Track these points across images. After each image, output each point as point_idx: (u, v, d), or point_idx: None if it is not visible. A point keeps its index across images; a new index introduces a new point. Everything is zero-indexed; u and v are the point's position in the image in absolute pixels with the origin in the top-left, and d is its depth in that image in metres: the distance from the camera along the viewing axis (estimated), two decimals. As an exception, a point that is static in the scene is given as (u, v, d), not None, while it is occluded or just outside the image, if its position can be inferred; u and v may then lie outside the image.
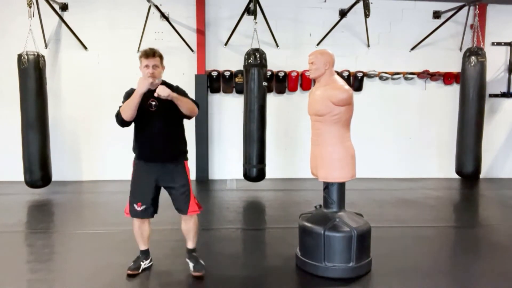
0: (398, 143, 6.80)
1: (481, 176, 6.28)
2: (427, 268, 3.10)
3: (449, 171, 6.50)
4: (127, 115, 2.72)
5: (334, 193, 3.03)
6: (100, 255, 3.38)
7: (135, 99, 2.65)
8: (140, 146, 2.89)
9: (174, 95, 2.64)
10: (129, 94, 2.80)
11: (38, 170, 5.17)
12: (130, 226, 4.05)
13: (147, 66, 2.73)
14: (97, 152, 6.43)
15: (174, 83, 2.93)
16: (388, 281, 2.90)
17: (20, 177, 5.27)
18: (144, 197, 2.90)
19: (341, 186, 3.04)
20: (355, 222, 2.95)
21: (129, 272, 2.98)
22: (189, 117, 2.85)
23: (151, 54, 2.76)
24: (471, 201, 5.67)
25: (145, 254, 3.09)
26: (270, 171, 5.80)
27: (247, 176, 5.41)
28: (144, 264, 3.06)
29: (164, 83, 2.82)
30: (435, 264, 3.19)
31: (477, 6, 5.85)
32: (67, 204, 5.13)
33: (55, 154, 5.72)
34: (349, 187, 3.30)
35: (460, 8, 6.12)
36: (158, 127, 2.79)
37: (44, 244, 3.63)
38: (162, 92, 2.59)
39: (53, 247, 3.64)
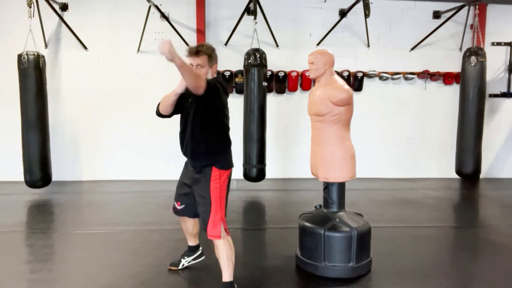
0: (398, 143, 6.80)
1: (481, 176, 6.26)
2: (427, 268, 3.10)
3: (449, 171, 6.50)
4: (162, 107, 2.60)
5: (334, 193, 3.04)
6: (100, 255, 3.38)
7: (171, 97, 2.52)
8: (179, 143, 2.72)
9: (176, 59, 2.10)
10: None
11: (38, 170, 5.17)
12: (130, 226, 4.11)
13: (190, 65, 2.48)
14: (97, 152, 6.43)
15: (174, 84, 2.88)
16: (388, 281, 2.90)
17: (20, 177, 5.27)
18: (182, 197, 2.79)
19: (341, 186, 3.05)
20: (355, 222, 2.95)
21: (169, 267, 3.02)
22: (195, 92, 2.35)
23: (193, 52, 2.49)
24: (471, 201, 5.67)
25: (190, 250, 3.06)
26: (270, 171, 5.80)
27: (247, 176, 5.41)
28: (186, 261, 3.03)
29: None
30: (435, 264, 3.19)
31: (477, 6, 5.85)
32: (67, 204, 5.12)
33: (55, 154, 5.72)
34: (349, 187, 3.30)
35: (460, 8, 6.12)
36: (190, 126, 2.57)
37: (44, 244, 3.63)
38: (161, 48, 2.08)
39: (53, 247, 3.64)
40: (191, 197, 2.73)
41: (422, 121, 6.80)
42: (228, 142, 2.71)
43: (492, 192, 5.95)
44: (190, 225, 2.95)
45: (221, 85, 2.60)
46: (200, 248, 3.11)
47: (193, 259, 3.07)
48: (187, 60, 2.52)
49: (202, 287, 2.89)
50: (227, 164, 2.66)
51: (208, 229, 2.53)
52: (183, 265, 3.03)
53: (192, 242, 3.06)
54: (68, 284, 2.86)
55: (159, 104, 2.65)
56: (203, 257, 3.10)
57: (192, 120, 2.55)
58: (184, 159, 2.79)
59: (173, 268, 3.03)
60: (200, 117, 2.53)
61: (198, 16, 6.29)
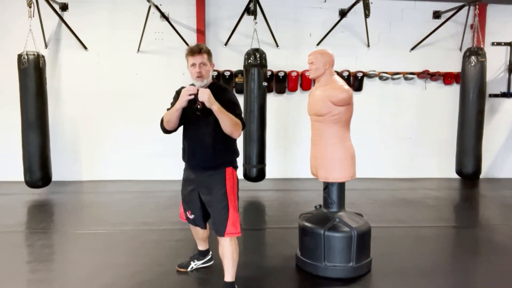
0: (398, 143, 6.80)
1: (481, 176, 6.27)
2: (427, 268, 3.10)
3: (449, 171, 6.50)
4: (168, 125, 2.54)
5: (334, 193, 3.04)
6: (100, 255, 3.38)
7: (175, 112, 2.45)
8: (184, 151, 2.67)
9: (215, 106, 2.33)
10: (177, 94, 2.61)
11: (38, 170, 5.17)
12: (130, 226, 4.11)
13: (193, 65, 2.49)
14: (97, 152, 6.43)
15: (174, 84, 2.87)
16: (388, 281, 2.90)
17: (20, 177, 5.27)
18: (192, 207, 2.73)
19: (341, 186, 3.05)
20: (355, 222, 2.95)
21: (177, 268, 3.01)
22: (231, 135, 2.50)
23: (197, 51, 2.48)
24: (471, 201, 5.67)
25: (200, 254, 3.05)
26: (270, 171, 5.80)
27: (247, 176, 5.41)
28: (196, 264, 3.02)
29: (213, 84, 2.59)
30: (435, 264, 3.19)
31: (477, 6, 5.85)
32: (67, 204, 5.12)
33: (55, 154, 5.72)
34: (349, 187, 3.31)
35: (460, 8, 6.12)
36: (202, 132, 2.53)
37: (44, 244, 3.63)
38: (201, 95, 2.32)
39: (53, 247, 3.64)
40: (199, 206, 2.70)
41: (422, 121, 6.80)
42: (236, 145, 2.74)
43: (492, 192, 5.95)
44: (201, 229, 2.91)
45: None
46: (210, 253, 3.10)
47: (203, 263, 3.06)
48: (189, 61, 2.53)
49: (203, 287, 2.89)
50: (237, 165, 2.72)
51: (228, 227, 2.51)
52: (192, 268, 3.02)
53: (202, 246, 3.05)
54: (68, 284, 2.85)
55: (162, 122, 2.59)
56: (212, 261, 3.09)
57: (208, 131, 2.52)
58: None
59: (182, 269, 3.01)
60: (218, 127, 2.48)
61: (198, 16, 6.30)
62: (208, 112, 2.45)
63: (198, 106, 2.50)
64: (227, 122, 2.40)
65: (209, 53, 2.56)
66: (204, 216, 2.74)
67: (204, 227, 2.83)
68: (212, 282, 2.86)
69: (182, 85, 2.70)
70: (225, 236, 2.53)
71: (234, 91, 6.38)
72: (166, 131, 2.62)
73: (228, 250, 2.55)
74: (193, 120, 2.55)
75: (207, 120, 2.50)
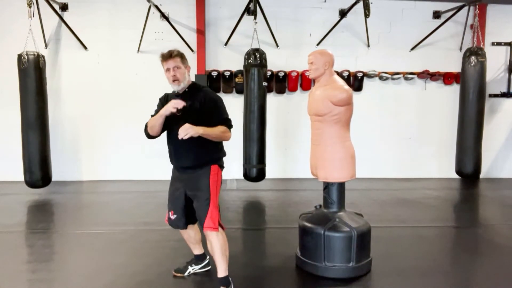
0: (398, 143, 6.80)
1: (481, 176, 6.27)
2: (427, 268, 3.10)
3: (449, 171, 6.50)
4: (152, 131, 2.65)
5: (334, 193, 3.03)
6: (100, 255, 3.38)
7: (159, 118, 2.53)
8: (169, 152, 2.76)
9: (199, 132, 2.38)
10: (161, 102, 2.71)
11: (38, 170, 5.17)
12: (130, 226, 4.11)
13: (168, 69, 2.58)
14: (97, 152, 6.43)
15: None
16: (388, 281, 2.89)
17: (20, 177, 5.27)
18: (175, 206, 2.78)
19: (341, 186, 3.04)
20: (355, 222, 2.95)
21: (173, 273, 2.97)
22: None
23: (167, 55, 2.57)
24: (471, 201, 5.67)
25: (197, 258, 3.01)
26: (270, 171, 5.80)
27: (247, 176, 5.41)
28: (193, 269, 2.98)
29: (193, 85, 2.68)
30: (435, 264, 3.19)
31: (477, 6, 5.85)
32: (67, 204, 5.13)
33: (55, 154, 5.72)
34: (349, 187, 3.30)
35: (460, 8, 6.12)
36: (191, 138, 2.51)
37: (44, 244, 3.63)
38: (183, 134, 2.34)
39: (53, 247, 3.64)
40: (182, 206, 2.73)
41: (422, 121, 6.80)
42: (222, 144, 2.77)
43: (492, 192, 5.95)
44: (192, 232, 2.91)
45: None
46: (207, 257, 3.06)
47: (200, 268, 3.03)
48: (164, 66, 2.60)
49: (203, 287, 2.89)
50: (222, 164, 2.76)
51: (206, 221, 2.55)
52: (189, 272, 2.98)
53: (197, 250, 3.02)
54: (68, 284, 2.86)
55: (146, 127, 2.69)
56: (210, 267, 3.05)
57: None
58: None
59: (178, 274, 2.96)
60: (204, 124, 2.51)
61: (198, 16, 6.30)
62: (187, 113, 2.52)
63: (178, 114, 2.53)
64: (215, 136, 2.52)
65: (182, 56, 2.62)
66: (185, 216, 2.76)
67: (184, 227, 2.83)
68: (213, 281, 2.85)
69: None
70: (204, 229, 2.57)
71: (234, 91, 6.40)
72: (150, 136, 2.71)
73: (216, 245, 2.56)
74: (176, 124, 2.55)
75: (188, 121, 2.51)
